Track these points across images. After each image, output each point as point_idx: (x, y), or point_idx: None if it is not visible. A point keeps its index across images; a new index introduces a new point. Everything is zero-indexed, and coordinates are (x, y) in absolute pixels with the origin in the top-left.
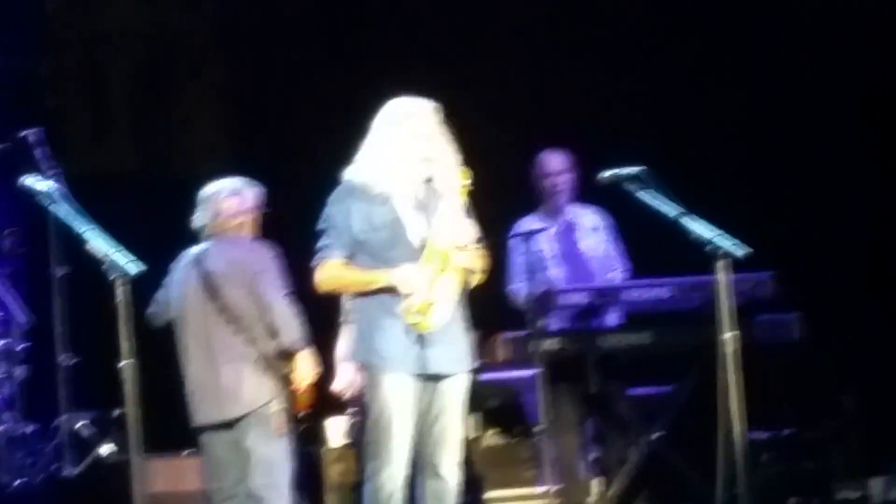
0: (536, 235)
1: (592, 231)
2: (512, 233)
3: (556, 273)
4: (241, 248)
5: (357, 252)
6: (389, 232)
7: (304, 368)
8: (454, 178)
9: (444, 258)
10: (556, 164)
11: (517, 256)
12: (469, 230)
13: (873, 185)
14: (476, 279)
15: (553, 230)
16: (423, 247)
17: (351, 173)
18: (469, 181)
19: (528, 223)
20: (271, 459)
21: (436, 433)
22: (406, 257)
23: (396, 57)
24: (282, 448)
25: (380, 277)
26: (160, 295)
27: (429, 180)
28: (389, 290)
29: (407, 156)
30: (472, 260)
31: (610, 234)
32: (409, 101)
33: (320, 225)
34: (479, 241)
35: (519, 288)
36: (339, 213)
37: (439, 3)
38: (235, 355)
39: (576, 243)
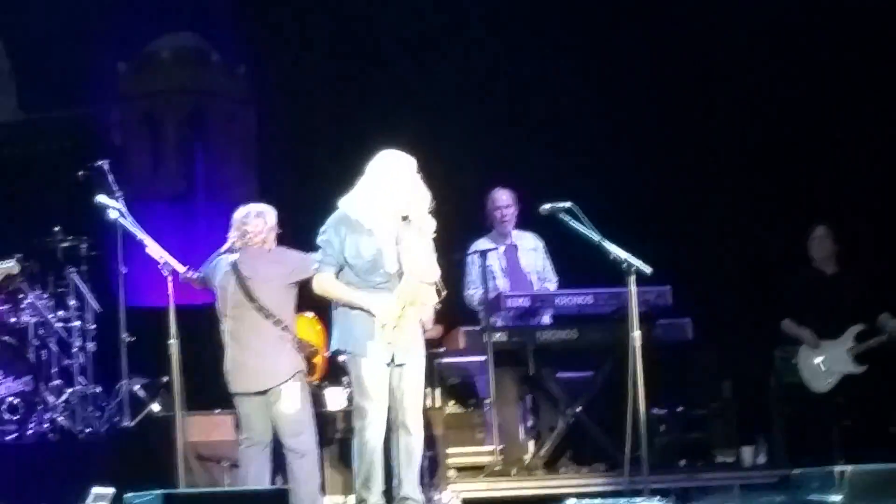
0: (487, 253)
1: (532, 251)
2: (468, 251)
3: (502, 283)
4: (265, 257)
5: (345, 269)
6: (372, 261)
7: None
8: (426, 219)
9: (413, 293)
10: (504, 198)
11: (472, 269)
12: (434, 270)
13: (751, 221)
14: (429, 310)
15: (501, 249)
16: (397, 273)
17: (346, 204)
18: (434, 228)
19: (482, 244)
20: (298, 421)
21: (404, 403)
22: (383, 280)
23: (387, 117)
24: (306, 412)
25: (362, 300)
26: (204, 270)
27: (405, 218)
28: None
29: (390, 199)
30: (431, 296)
31: (544, 253)
32: (396, 154)
33: (319, 240)
34: (437, 280)
35: (473, 294)
36: (335, 237)
37: (423, 79)
38: (268, 339)
39: (518, 261)
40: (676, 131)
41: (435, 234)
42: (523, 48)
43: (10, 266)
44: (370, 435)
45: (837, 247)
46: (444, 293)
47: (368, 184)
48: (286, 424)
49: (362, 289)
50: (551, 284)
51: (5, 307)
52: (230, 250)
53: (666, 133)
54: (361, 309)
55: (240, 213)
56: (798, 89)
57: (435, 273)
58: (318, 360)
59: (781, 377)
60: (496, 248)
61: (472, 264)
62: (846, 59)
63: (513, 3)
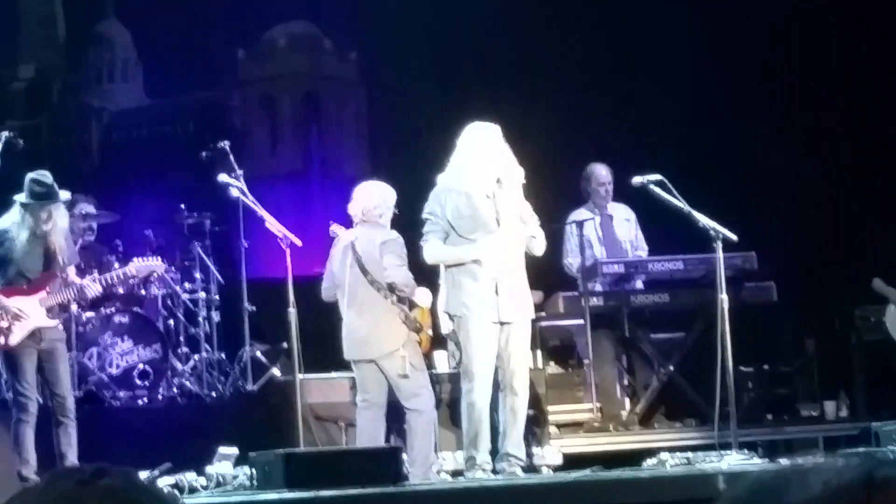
0: (584, 223)
1: (625, 221)
2: (567, 220)
3: (599, 252)
4: (380, 237)
5: (450, 234)
6: (472, 217)
7: (421, 297)
8: (515, 176)
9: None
10: (605, 174)
11: (570, 239)
12: (528, 209)
13: (829, 192)
14: (538, 245)
15: (597, 220)
16: (497, 224)
17: (443, 177)
18: (523, 177)
19: (579, 214)
20: (414, 383)
21: (511, 365)
22: (485, 234)
23: (486, 97)
24: (416, 378)
25: (469, 251)
26: (325, 278)
27: (498, 180)
28: (475, 261)
29: (482, 163)
30: (539, 242)
31: (636, 224)
32: (481, 124)
33: (424, 214)
34: (535, 217)
35: (572, 262)
36: (437, 206)
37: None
38: (379, 312)
39: (613, 230)
40: (757, 100)
41: (524, 182)
42: (609, 29)
43: (156, 265)
44: (477, 396)
45: None
46: (544, 241)
47: (460, 154)
48: (403, 387)
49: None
50: (643, 253)
51: (135, 280)
52: (348, 221)
53: (748, 103)
54: (468, 262)
55: (361, 187)
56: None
57: (530, 215)
58: (423, 336)
59: (862, 335)
60: (593, 219)
61: (571, 234)
62: None
63: None
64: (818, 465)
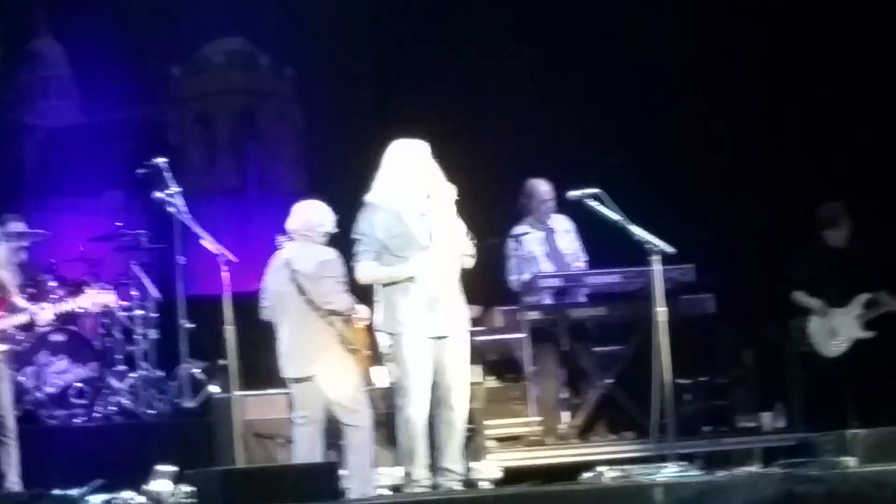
0: (525, 238)
1: (566, 233)
2: (508, 235)
3: (546, 266)
4: (317, 255)
5: (382, 253)
6: (405, 234)
7: (361, 315)
8: (445, 192)
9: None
10: (545, 190)
11: (512, 253)
12: (461, 227)
13: (766, 203)
14: (468, 262)
15: (541, 235)
16: (429, 241)
17: (372, 196)
18: (455, 194)
19: (521, 229)
20: (352, 399)
21: (447, 380)
22: (417, 251)
23: (426, 112)
24: (354, 396)
25: (402, 270)
26: (263, 296)
27: (428, 196)
28: (408, 279)
29: (409, 180)
30: (468, 255)
31: (575, 234)
32: (407, 141)
33: (354, 235)
34: (467, 234)
35: (515, 279)
36: (367, 226)
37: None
38: (316, 329)
39: (556, 244)
40: (693, 111)
41: (457, 199)
42: (546, 38)
43: (109, 298)
44: (412, 411)
45: (848, 221)
46: (475, 243)
47: (387, 171)
48: (341, 404)
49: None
50: (581, 263)
51: (71, 297)
52: (287, 238)
53: (684, 114)
54: (402, 281)
55: (300, 206)
56: (812, 66)
57: (462, 231)
58: (359, 355)
59: (797, 346)
60: (535, 234)
61: (513, 248)
62: (857, 31)
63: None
64: (739, 480)
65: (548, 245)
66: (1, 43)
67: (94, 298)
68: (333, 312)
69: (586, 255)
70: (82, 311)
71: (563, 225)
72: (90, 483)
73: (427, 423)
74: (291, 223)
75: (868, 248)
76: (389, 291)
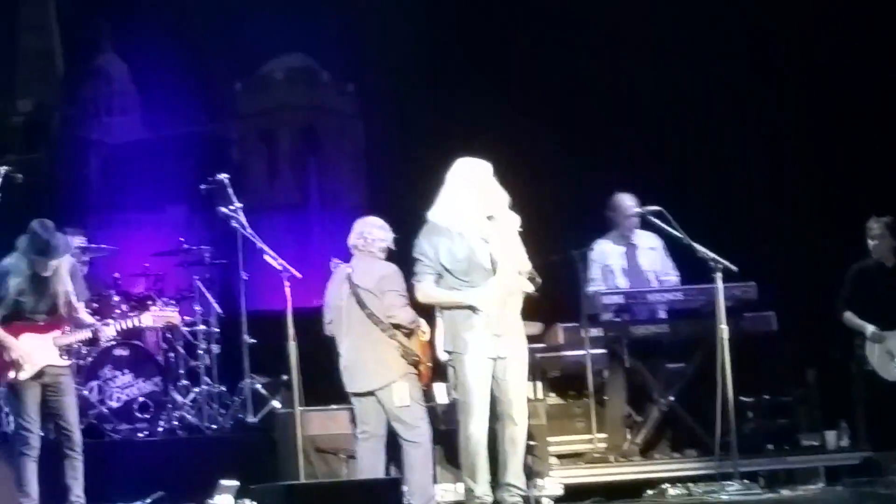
0: (604, 251)
1: (650, 250)
2: (590, 248)
3: (622, 282)
4: (378, 270)
5: (444, 275)
6: (467, 260)
7: (422, 325)
8: (507, 214)
9: (508, 283)
10: (629, 204)
11: (593, 267)
12: (524, 260)
13: (830, 222)
14: (529, 288)
15: (622, 250)
16: (492, 269)
17: (434, 215)
18: (519, 223)
19: (601, 242)
20: (412, 415)
21: (509, 395)
22: (481, 277)
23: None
24: (415, 410)
25: (462, 297)
26: (325, 312)
27: (490, 217)
28: (469, 307)
29: (473, 202)
30: (526, 284)
31: (663, 251)
32: (472, 160)
33: (415, 253)
34: (530, 269)
35: (592, 290)
36: (429, 247)
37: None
38: (377, 344)
39: (637, 260)
40: (755, 129)
41: (521, 229)
42: (611, 56)
43: (172, 315)
44: (473, 429)
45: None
46: (539, 281)
47: (450, 191)
48: (401, 419)
49: (462, 290)
50: (673, 279)
51: (135, 314)
52: (347, 253)
53: (745, 133)
54: (464, 307)
55: (362, 221)
56: (871, 91)
57: (525, 263)
58: (422, 368)
59: (861, 364)
60: (616, 248)
61: (593, 263)
62: None
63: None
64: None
65: (627, 260)
66: (64, 59)
67: (158, 315)
68: (397, 326)
69: (678, 273)
70: (145, 327)
71: (648, 242)
72: (152, 495)
73: (488, 439)
74: (351, 238)
75: None
76: (452, 315)
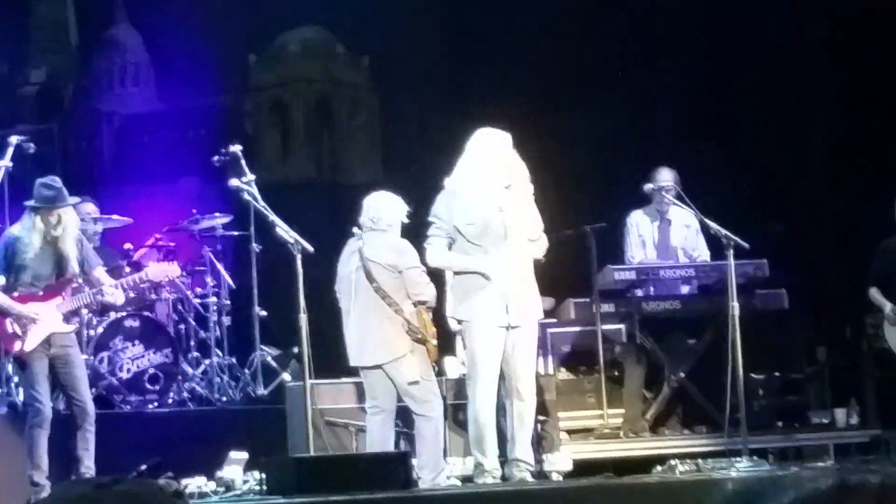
0: (638, 223)
1: (684, 227)
2: (626, 220)
3: (651, 254)
4: (390, 245)
5: (457, 238)
6: (482, 224)
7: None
8: (524, 184)
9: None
10: (664, 178)
11: (628, 238)
12: (539, 226)
13: (842, 200)
14: (540, 256)
15: (656, 224)
16: (505, 235)
17: (451, 181)
18: (533, 191)
19: (635, 214)
20: (422, 390)
21: (517, 371)
22: (493, 243)
23: (499, 102)
24: (424, 384)
25: (474, 262)
26: (336, 284)
27: (507, 187)
28: (480, 272)
29: (491, 170)
30: (540, 246)
31: (697, 230)
32: (492, 130)
33: (430, 217)
34: (543, 230)
35: (633, 255)
36: (444, 210)
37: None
38: (384, 318)
39: (669, 235)
40: (770, 108)
41: (534, 196)
42: (630, 27)
43: (172, 269)
44: (482, 402)
45: None
46: (546, 245)
47: (469, 159)
48: (411, 393)
49: (474, 255)
50: (705, 257)
51: (147, 285)
52: (358, 231)
53: (760, 111)
54: (476, 273)
55: (372, 196)
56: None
57: (539, 229)
58: (427, 346)
59: (873, 343)
60: (647, 221)
61: (628, 234)
62: None
63: None
64: (795, 473)
65: (659, 234)
66: (78, 30)
67: (156, 269)
68: (421, 303)
69: (708, 251)
70: (148, 283)
71: (683, 219)
72: (148, 461)
73: (497, 413)
74: (363, 216)
75: None
76: (462, 280)
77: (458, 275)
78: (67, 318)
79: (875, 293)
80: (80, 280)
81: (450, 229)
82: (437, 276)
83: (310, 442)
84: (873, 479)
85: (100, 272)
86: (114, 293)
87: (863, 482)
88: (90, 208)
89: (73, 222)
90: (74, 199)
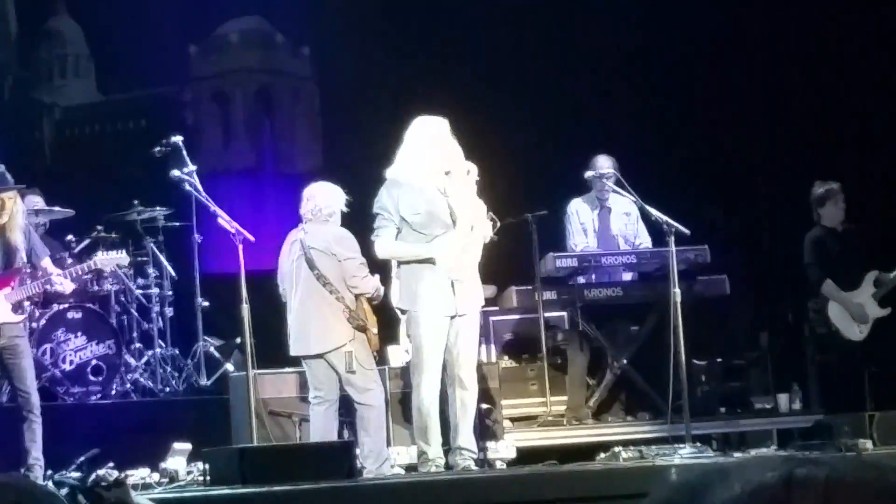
0: (578, 210)
1: (624, 215)
2: (565, 209)
3: (592, 243)
4: (331, 233)
5: (403, 228)
6: (427, 213)
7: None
8: (466, 170)
9: (467, 234)
10: (603, 165)
11: (570, 227)
12: (482, 206)
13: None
14: (486, 239)
15: (596, 212)
16: (451, 222)
17: (393, 171)
18: (476, 173)
19: (575, 202)
20: (359, 383)
21: (460, 359)
22: (440, 231)
23: (442, 89)
24: (366, 373)
25: (423, 249)
26: (279, 276)
27: (447, 173)
28: (428, 260)
29: (431, 157)
30: (487, 229)
31: (637, 218)
32: (429, 118)
33: (375, 209)
34: (488, 214)
35: (576, 243)
36: (389, 201)
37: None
38: (324, 306)
39: (609, 223)
40: (709, 92)
41: (478, 179)
42: (570, 12)
43: (120, 258)
44: (426, 391)
45: (842, 200)
46: (497, 224)
47: (409, 148)
48: (353, 382)
49: (421, 243)
50: (646, 244)
51: (89, 276)
52: (299, 221)
53: (699, 95)
54: (422, 260)
55: (312, 187)
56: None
57: (483, 213)
58: (368, 334)
59: (815, 327)
60: (587, 209)
61: (569, 222)
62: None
63: None
64: (741, 464)
65: (599, 222)
66: (18, 21)
67: (103, 258)
68: (360, 296)
69: (650, 240)
70: (95, 272)
71: (623, 207)
72: (86, 454)
73: (440, 401)
74: (303, 207)
75: (860, 228)
76: (408, 269)
77: (403, 264)
78: (15, 308)
79: (830, 287)
80: (28, 270)
81: (396, 220)
82: (382, 267)
83: (253, 432)
84: (820, 472)
85: (47, 262)
86: (62, 282)
87: (810, 476)
88: (36, 199)
89: (20, 211)
90: (20, 186)
